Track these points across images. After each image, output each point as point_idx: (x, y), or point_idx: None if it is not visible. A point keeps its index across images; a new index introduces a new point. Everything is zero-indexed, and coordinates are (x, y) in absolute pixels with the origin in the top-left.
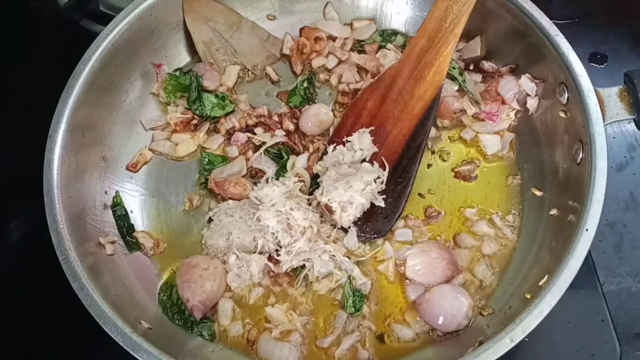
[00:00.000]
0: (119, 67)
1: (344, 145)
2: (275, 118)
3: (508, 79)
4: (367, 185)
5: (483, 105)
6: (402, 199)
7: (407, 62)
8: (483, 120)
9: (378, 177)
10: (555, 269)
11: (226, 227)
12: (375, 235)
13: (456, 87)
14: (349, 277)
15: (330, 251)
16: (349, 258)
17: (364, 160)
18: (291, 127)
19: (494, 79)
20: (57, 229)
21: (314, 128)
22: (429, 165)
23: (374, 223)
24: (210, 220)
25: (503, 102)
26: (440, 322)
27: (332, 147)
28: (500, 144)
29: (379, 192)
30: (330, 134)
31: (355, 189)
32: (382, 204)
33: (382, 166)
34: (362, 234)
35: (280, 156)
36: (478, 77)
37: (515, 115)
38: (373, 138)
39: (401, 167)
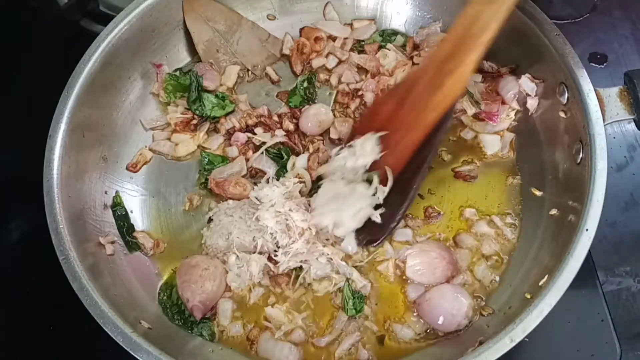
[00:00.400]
0: (119, 67)
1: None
2: (275, 118)
3: (508, 79)
4: (359, 211)
5: (483, 105)
6: (400, 210)
7: (428, 68)
8: (483, 120)
9: (374, 194)
10: (555, 269)
11: (226, 227)
12: (370, 244)
13: None
14: (347, 280)
15: (328, 254)
16: (347, 263)
17: (368, 169)
18: (291, 127)
19: (494, 79)
20: (57, 229)
21: (314, 128)
22: (430, 168)
23: (370, 230)
24: (210, 220)
25: (503, 102)
26: (440, 322)
27: (335, 149)
28: (500, 144)
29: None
30: (330, 134)
31: (347, 213)
32: (379, 220)
33: (384, 178)
34: (357, 241)
35: (280, 156)
36: (478, 77)
37: (515, 115)
38: (382, 145)
39: (404, 178)
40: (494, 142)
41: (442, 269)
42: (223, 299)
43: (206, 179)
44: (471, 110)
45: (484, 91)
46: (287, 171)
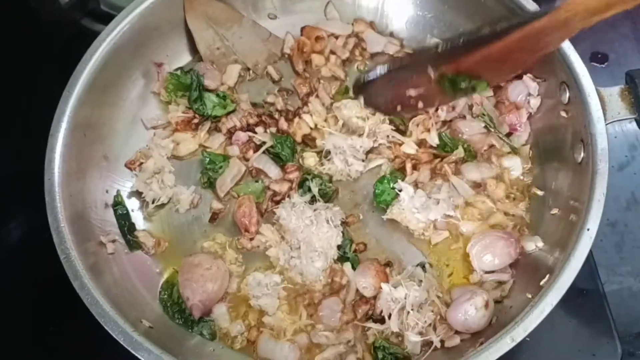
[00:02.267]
0: (120, 66)
1: None
2: (276, 115)
3: (515, 83)
4: None
5: (502, 118)
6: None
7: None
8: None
9: None
10: (557, 269)
11: None
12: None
13: (482, 124)
14: None
15: None
16: None
17: None
18: (285, 126)
19: (502, 88)
20: (58, 228)
21: None
22: None
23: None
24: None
25: (517, 108)
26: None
27: None
28: (521, 167)
29: None
30: None
31: None
32: None
33: None
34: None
35: (280, 157)
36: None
37: (528, 118)
38: None
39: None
40: (516, 164)
41: None
42: (218, 304)
43: (208, 179)
44: (500, 143)
45: (497, 103)
46: None
